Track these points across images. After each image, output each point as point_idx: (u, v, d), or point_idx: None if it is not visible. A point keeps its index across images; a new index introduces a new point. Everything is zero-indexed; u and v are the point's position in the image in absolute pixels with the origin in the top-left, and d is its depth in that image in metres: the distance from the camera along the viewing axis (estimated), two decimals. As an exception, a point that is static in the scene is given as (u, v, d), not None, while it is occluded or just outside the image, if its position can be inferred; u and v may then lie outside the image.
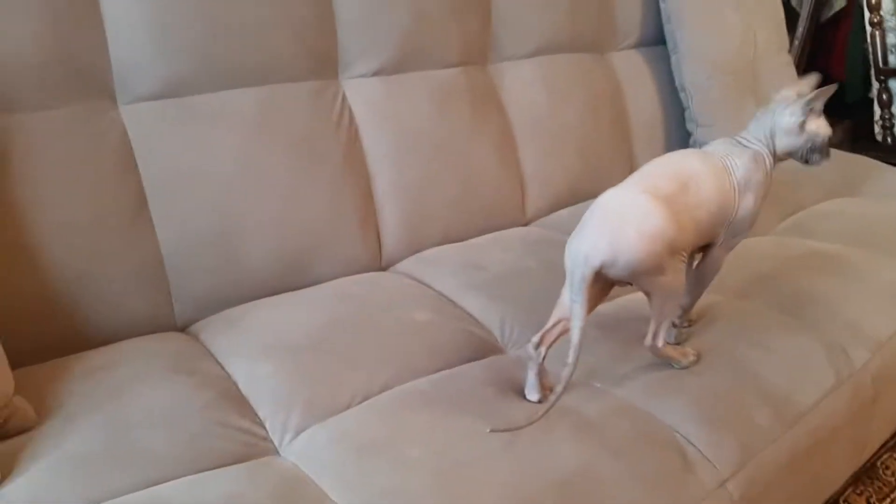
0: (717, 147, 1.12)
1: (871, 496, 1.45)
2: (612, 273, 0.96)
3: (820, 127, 1.09)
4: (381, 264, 1.50)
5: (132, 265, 1.21)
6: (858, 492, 1.45)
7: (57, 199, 1.14)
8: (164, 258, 1.23)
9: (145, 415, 0.98)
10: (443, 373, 1.12)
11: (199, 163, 1.26)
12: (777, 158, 1.11)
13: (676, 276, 1.01)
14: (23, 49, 1.11)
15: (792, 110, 1.08)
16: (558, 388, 0.96)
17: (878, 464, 1.53)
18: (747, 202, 1.08)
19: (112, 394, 1.02)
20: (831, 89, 1.08)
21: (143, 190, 1.22)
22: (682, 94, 2.00)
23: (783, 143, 1.09)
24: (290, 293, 1.33)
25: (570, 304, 0.97)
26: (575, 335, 0.96)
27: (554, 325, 1.03)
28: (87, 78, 1.18)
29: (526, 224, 1.74)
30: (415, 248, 1.53)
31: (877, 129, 2.67)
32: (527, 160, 1.73)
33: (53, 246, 1.14)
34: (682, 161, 1.06)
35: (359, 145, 1.47)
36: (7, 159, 1.10)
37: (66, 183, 1.15)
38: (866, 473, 1.50)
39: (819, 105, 1.09)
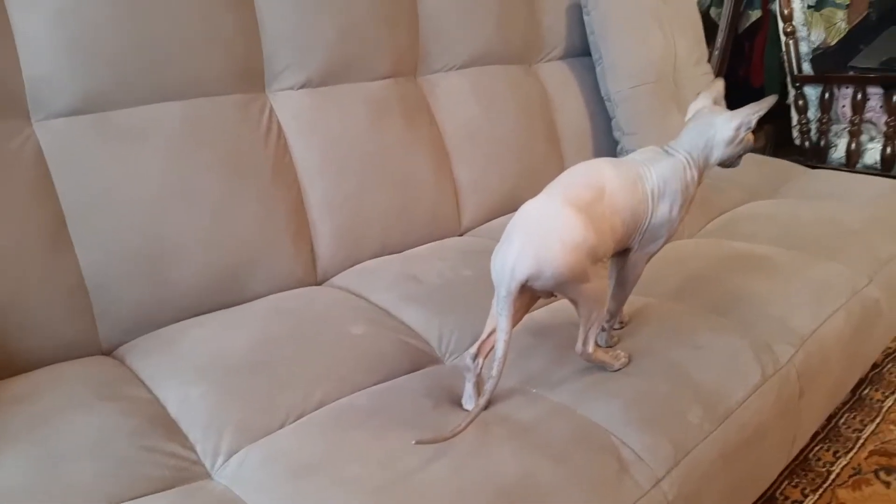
0: (640, 155, 1.13)
1: (806, 487, 1.49)
2: (538, 285, 0.97)
3: (749, 134, 1.10)
4: (316, 278, 1.48)
5: (52, 288, 1.16)
6: (794, 484, 1.50)
7: (-32, 222, 1.09)
8: (87, 280, 1.19)
9: (70, 445, 0.94)
10: (380, 386, 1.10)
11: (121, 180, 1.22)
12: (707, 167, 1.11)
13: (600, 283, 1.02)
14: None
15: (737, 123, 1.08)
16: (481, 401, 0.97)
17: (811, 456, 1.58)
18: (663, 209, 1.09)
19: (34, 424, 0.97)
20: (771, 100, 1.09)
21: (62, 210, 1.17)
22: (607, 104, 2.05)
23: (721, 153, 1.10)
24: (221, 311, 1.29)
25: (497, 316, 0.97)
26: (500, 348, 0.96)
27: (489, 336, 1.03)
28: (-3, 94, 1.14)
29: (462, 234, 1.74)
30: (350, 261, 1.52)
31: (795, 133, 2.77)
32: (461, 170, 1.74)
33: (-34, 271, 1.08)
34: (596, 170, 1.06)
35: (288, 159, 1.45)
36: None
37: (-23, 205, 1.10)
38: (800, 466, 1.55)
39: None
